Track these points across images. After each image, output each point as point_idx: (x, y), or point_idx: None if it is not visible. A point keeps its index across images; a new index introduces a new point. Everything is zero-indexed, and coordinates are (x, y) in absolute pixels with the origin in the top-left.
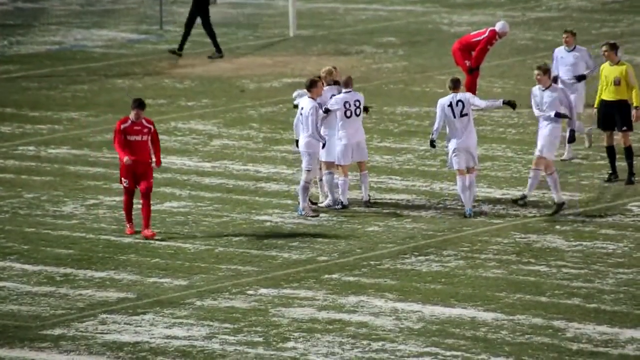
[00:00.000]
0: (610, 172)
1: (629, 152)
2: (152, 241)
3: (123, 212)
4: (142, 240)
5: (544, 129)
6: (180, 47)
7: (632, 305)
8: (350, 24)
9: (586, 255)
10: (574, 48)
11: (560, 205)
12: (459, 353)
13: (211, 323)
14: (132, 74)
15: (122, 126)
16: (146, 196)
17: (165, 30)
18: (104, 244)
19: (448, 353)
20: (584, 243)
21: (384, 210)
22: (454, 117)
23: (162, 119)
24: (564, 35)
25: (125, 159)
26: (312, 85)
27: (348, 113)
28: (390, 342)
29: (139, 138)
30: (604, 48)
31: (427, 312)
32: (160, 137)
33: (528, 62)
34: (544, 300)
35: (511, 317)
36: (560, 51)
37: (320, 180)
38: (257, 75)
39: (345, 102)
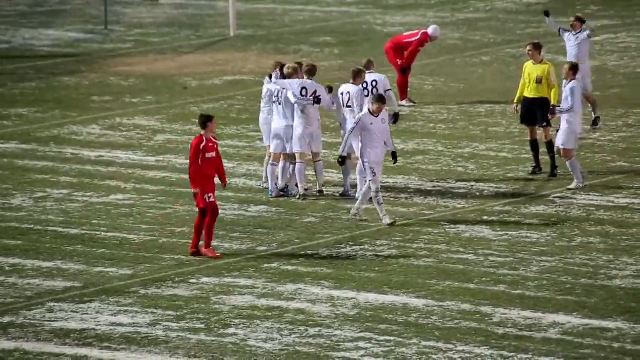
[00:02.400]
0: (534, 165)
1: (550, 147)
2: (97, 232)
3: (205, 233)
4: (88, 232)
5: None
6: None
7: (555, 291)
8: (288, 24)
9: (512, 244)
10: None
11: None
12: (392, 338)
13: (155, 310)
14: (78, 72)
15: (201, 145)
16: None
17: (110, 30)
18: (51, 235)
19: (381, 338)
20: (510, 233)
21: (321, 202)
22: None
23: (108, 115)
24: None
25: (196, 191)
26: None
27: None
28: (327, 328)
29: (213, 155)
30: (528, 47)
31: (361, 299)
32: (106, 132)
33: (457, 61)
34: (472, 287)
35: (441, 303)
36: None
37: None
38: (199, 73)
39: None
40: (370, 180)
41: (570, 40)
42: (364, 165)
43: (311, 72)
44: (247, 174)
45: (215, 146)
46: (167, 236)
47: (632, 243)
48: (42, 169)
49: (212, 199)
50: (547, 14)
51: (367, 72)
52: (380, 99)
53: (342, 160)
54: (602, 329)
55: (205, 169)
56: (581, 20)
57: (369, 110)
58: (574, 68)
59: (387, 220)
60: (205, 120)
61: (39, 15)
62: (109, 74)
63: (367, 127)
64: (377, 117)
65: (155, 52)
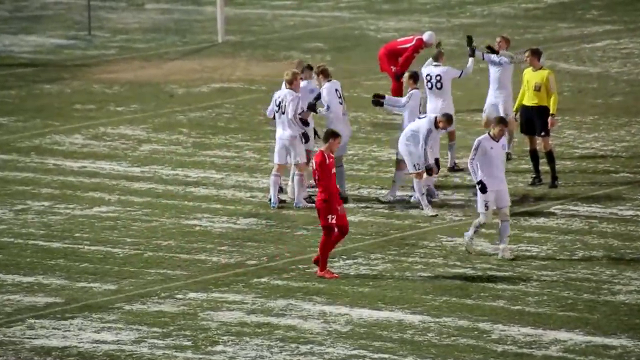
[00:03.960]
0: (534, 175)
1: (550, 157)
2: (80, 246)
3: (322, 253)
4: (70, 245)
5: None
6: None
7: (556, 306)
8: (278, 29)
9: (511, 258)
10: None
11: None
12: (386, 355)
13: (140, 327)
14: (60, 80)
15: (327, 161)
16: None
17: (93, 35)
18: (32, 249)
19: (376, 355)
20: (509, 246)
21: (312, 215)
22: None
23: (91, 124)
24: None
25: (340, 208)
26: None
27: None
28: (319, 345)
29: (334, 171)
30: (526, 54)
31: (355, 315)
32: (89, 142)
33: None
34: (470, 303)
35: (437, 320)
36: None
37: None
38: (185, 81)
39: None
40: (480, 212)
41: (494, 63)
42: (478, 194)
43: (325, 73)
44: (236, 185)
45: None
46: (152, 250)
47: (636, 257)
48: (23, 180)
49: (334, 220)
50: (470, 41)
51: (434, 64)
52: (502, 121)
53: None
54: (605, 346)
55: (331, 186)
56: (507, 41)
57: (489, 133)
58: (414, 76)
59: (507, 256)
60: (329, 137)
61: (20, 21)
62: (92, 81)
63: (487, 152)
64: (497, 141)
65: (140, 58)
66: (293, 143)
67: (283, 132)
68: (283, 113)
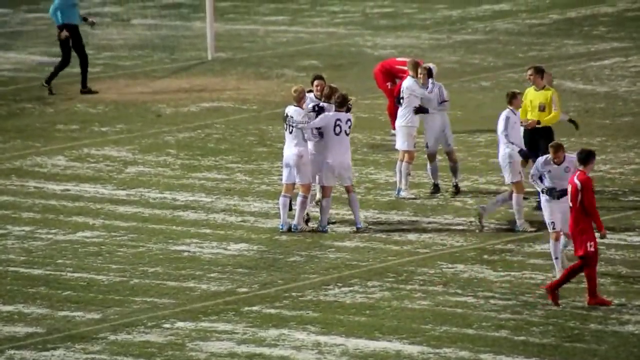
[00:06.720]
0: (538, 199)
1: None
2: (63, 272)
3: (589, 281)
4: (52, 272)
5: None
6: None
7: (562, 337)
8: (270, 46)
9: (514, 286)
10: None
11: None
12: None
13: (125, 358)
14: (42, 98)
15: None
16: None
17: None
18: (12, 276)
19: None
20: (512, 273)
21: (307, 240)
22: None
23: (75, 145)
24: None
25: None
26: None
27: (337, 130)
28: None
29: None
30: (529, 72)
31: (350, 345)
32: (72, 164)
33: (454, 86)
34: (471, 333)
35: (437, 350)
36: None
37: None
38: (174, 100)
39: (337, 119)
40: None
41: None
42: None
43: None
44: (226, 209)
45: None
46: (139, 277)
47: None
48: (3, 204)
49: (592, 247)
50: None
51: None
52: None
53: None
54: None
55: (594, 210)
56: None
57: None
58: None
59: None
60: (590, 157)
61: None
62: (75, 100)
63: None
64: None
65: (126, 76)
66: (298, 163)
67: (289, 150)
68: (290, 132)
